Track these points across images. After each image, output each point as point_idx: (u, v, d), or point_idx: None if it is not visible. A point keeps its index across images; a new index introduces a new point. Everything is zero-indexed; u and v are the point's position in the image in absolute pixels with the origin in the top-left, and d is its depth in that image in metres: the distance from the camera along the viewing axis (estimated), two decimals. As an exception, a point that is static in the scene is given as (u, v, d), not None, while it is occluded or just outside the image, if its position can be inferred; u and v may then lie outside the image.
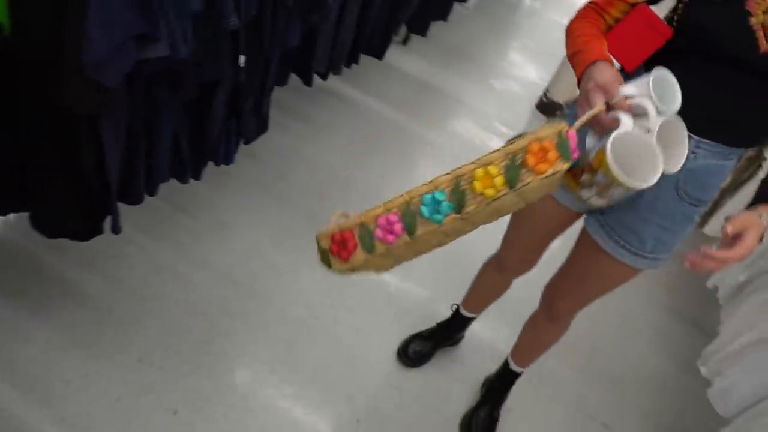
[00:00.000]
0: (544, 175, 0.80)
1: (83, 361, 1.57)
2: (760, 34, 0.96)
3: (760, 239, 0.95)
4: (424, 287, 2.10)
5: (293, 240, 2.08)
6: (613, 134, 0.85)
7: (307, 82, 2.06)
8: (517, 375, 1.73)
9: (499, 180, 0.82)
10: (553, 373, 2.00)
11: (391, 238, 0.85)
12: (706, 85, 1.01)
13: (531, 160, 0.81)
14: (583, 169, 0.88)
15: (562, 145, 0.81)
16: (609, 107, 0.91)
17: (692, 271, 0.92)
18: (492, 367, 1.83)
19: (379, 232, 0.85)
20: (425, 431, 1.73)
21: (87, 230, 1.36)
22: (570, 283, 1.40)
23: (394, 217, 0.84)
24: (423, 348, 1.85)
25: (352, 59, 2.36)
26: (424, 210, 0.83)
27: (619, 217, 1.20)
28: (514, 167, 0.82)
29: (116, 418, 1.49)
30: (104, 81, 0.94)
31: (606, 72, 0.95)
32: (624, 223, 1.20)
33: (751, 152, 2.36)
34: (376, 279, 2.03)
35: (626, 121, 0.88)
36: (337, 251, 0.90)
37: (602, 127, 0.92)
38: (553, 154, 0.81)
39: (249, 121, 1.66)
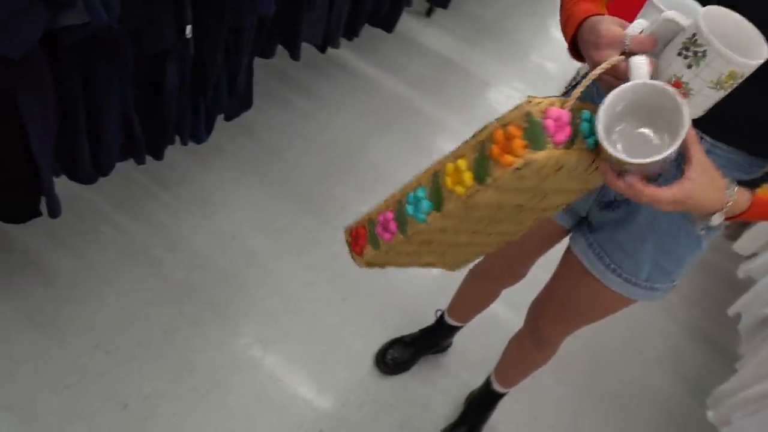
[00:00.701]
0: (513, 168, 0.65)
1: (36, 342, 1.50)
2: None
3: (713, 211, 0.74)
4: (417, 286, 1.95)
5: (279, 225, 1.96)
6: (607, 98, 0.67)
7: (294, 55, 1.89)
8: (500, 396, 1.59)
9: (467, 176, 0.69)
10: (544, 389, 1.84)
11: (388, 236, 0.81)
12: None
13: (495, 151, 0.67)
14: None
15: (531, 129, 0.65)
16: (628, 55, 0.71)
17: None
18: (481, 380, 1.69)
19: (379, 229, 0.82)
20: (395, 446, 1.61)
21: (21, 212, 1.26)
22: (554, 307, 1.24)
23: (390, 215, 0.80)
24: (403, 355, 1.71)
25: (352, 31, 2.17)
26: (409, 209, 0.77)
27: (612, 235, 1.01)
28: (482, 159, 0.68)
29: (62, 409, 1.41)
30: (7, 52, 0.82)
31: (603, 22, 0.74)
32: (617, 243, 1.01)
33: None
34: (364, 274, 1.90)
35: (637, 67, 0.68)
36: (353, 246, 0.87)
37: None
38: (517, 143, 0.65)
39: (222, 96, 1.52)
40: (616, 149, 0.66)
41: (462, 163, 0.70)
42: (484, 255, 1.09)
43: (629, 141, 0.70)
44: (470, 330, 1.75)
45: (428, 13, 3.14)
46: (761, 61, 0.64)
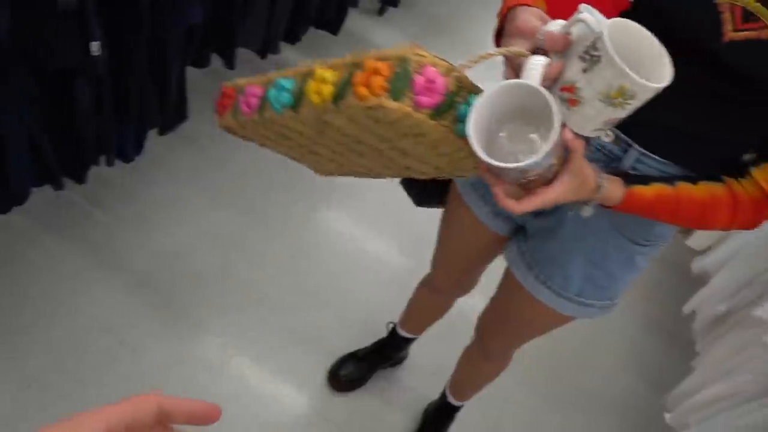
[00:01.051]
0: (364, 104, 0.60)
1: (-39, 384, 1.40)
2: (727, 16, 0.71)
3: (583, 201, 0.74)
4: (369, 297, 1.89)
5: (226, 240, 1.88)
6: (481, 97, 0.62)
7: (229, 63, 1.81)
8: (456, 408, 1.54)
9: (327, 89, 0.64)
10: (504, 395, 1.81)
11: (246, 109, 0.76)
12: None
13: (357, 78, 0.61)
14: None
15: (399, 76, 0.59)
16: (540, 53, 0.66)
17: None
18: (439, 390, 1.64)
19: (243, 100, 0.77)
20: (352, 466, 1.56)
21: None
22: (495, 320, 1.20)
23: (257, 91, 0.75)
24: (356, 371, 1.65)
25: (294, 35, 2.10)
26: (271, 93, 0.72)
27: (543, 244, 0.97)
28: (346, 81, 0.62)
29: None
30: None
31: (525, 12, 0.69)
32: (547, 253, 0.97)
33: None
34: (313, 288, 1.83)
35: (531, 67, 0.63)
36: (218, 105, 0.83)
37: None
38: (378, 81, 0.59)
39: (151, 111, 1.43)
40: (479, 148, 0.60)
41: (329, 75, 0.64)
42: (352, 176, 1.00)
43: (516, 142, 0.66)
44: (426, 339, 1.69)
45: (380, 12, 3.07)
46: (657, 86, 0.59)
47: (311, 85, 0.66)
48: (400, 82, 0.59)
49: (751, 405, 1.16)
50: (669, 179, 0.80)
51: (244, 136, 0.88)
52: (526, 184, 0.66)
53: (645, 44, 0.63)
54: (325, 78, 0.64)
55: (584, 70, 0.61)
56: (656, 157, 0.82)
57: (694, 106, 0.77)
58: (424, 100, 0.60)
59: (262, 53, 1.96)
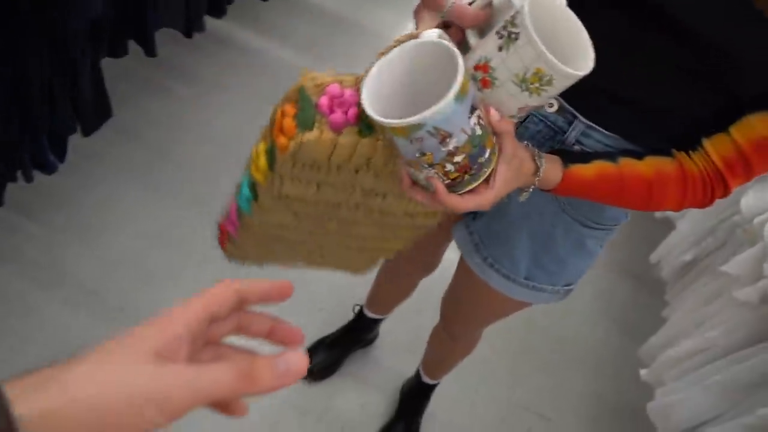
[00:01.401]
0: (287, 153, 0.55)
1: None
2: None
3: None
4: (332, 280, 1.81)
5: (175, 237, 1.78)
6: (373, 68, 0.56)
7: (148, 51, 1.66)
8: (431, 387, 1.51)
9: (262, 161, 0.61)
10: (480, 361, 1.78)
11: (232, 228, 0.74)
12: (600, 40, 0.57)
13: (274, 131, 0.58)
14: None
15: (302, 107, 0.54)
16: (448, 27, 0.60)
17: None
18: (414, 366, 1.60)
19: (227, 221, 0.75)
20: (334, 456, 1.53)
21: None
22: (453, 304, 1.15)
23: (233, 205, 0.73)
24: (327, 358, 1.60)
25: (219, 8, 1.94)
26: (237, 197, 0.69)
27: (489, 223, 0.91)
28: (271, 142, 0.59)
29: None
30: None
31: None
32: (494, 233, 0.90)
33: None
34: (272, 275, 1.75)
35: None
36: (220, 243, 0.83)
37: None
38: (288, 122, 0.55)
39: (64, 114, 1.30)
40: (371, 108, 0.52)
41: (261, 147, 0.60)
42: (378, 260, 0.97)
43: None
44: (398, 314, 1.64)
45: (311, -34, 2.89)
46: (576, 73, 0.53)
47: (252, 167, 0.62)
48: (306, 112, 0.53)
49: (721, 362, 1.15)
50: (612, 155, 0.72)
51: (255, 259, 0.84)
52: (457, 178, 0.57)
53: (568, 26, 0.56)
54: (258, 152, 0.60)
55: (500, 48, 0.54)
56: (602, 130, 0.74)
57: (644, 74, 0.69)
58: (337, 117, 0.54)
59: (187, 32, 1.81)
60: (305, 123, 0.53)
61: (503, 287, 0.93)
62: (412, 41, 0.56)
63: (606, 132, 0.75)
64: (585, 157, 0.72)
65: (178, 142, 2.02)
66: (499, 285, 0.93)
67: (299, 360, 0.33)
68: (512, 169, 0.61)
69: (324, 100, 0.54)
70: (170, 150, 1.99)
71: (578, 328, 2.00)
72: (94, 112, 1.43)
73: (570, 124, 0.75)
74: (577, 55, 0.55)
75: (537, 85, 0.53)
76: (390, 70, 0.56)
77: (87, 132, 1.48)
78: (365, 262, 0.95)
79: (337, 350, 1.62)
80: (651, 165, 0.71)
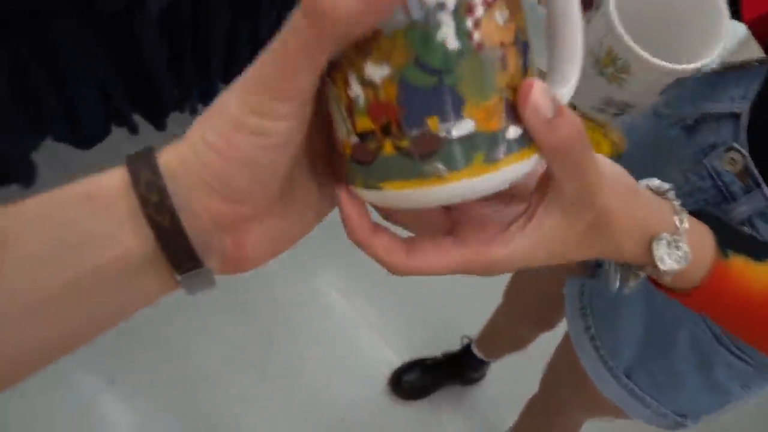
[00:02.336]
0: None
1: None
2: None
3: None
4: (449, 300, 1.67)
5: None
6: None
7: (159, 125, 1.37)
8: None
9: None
10: None
11: None
12: None
13: None
14: None
15: None
16: None
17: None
18: (508, 426, 1.42)
19: None
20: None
21: None
22: (548, 375, 0.98)
23: None
24: (420, 380, 1.50)
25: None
26: None
27: (606, 288, 0.71)
28: None
29: None
30: None
31: None
32: (607, 301, 0.71)
33: None
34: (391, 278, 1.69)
35: None
36: None
37: None
38: None
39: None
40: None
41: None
42: None
43: None
44: (520, 361, 1.45)
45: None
46: (655, 62, 0.38)
47: None
48: None
49: None
50: None
51: None
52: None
53: (708, 11, 0.41)
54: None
55: (588, 20, 0.41)
56: None
57: None
58: None
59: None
60: None
61: (593, 371, 0.74)
62: None
63: None
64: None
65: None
66: (589, 366, 0.75)
67: None
68: (579, 224, 0.29)
69: None
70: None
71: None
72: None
73: (747, 192, 0.54)
74: (704, 45, 0.40)
75: (611, 69, 0.40)
76: None
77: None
78: None
79: (432, 376, 1.51)
80: None
